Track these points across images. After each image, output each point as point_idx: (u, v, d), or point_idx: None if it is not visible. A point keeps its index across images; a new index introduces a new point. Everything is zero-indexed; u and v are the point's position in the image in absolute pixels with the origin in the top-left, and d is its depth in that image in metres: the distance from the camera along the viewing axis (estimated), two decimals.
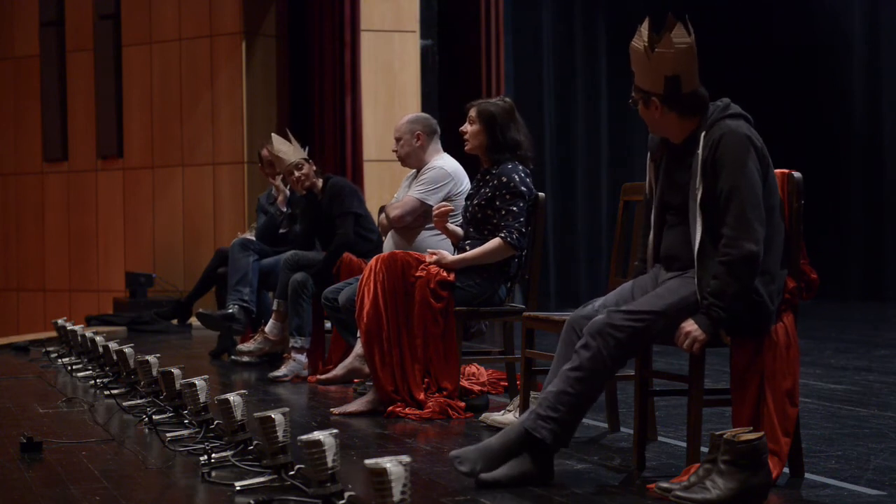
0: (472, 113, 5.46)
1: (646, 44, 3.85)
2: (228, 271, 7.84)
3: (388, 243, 6.09)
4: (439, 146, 6.14)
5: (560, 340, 3.99)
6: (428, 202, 5.93)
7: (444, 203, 5.66)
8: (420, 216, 5.99)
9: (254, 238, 8.05)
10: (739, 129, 3.78)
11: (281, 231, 8.02)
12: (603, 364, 3.75)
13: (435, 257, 5.40)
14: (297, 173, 7.13)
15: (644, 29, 3.88)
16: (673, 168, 3.95)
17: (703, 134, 3.81)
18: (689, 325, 3.76)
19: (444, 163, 6.04)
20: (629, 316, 3.77)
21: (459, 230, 5.60)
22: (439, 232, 5.85)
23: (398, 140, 6.13)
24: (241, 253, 7.80)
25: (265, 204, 8.27)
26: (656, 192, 4.01)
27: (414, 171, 6.18)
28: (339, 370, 5.90)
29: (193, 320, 9.81)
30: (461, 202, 5.83)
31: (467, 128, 5.48)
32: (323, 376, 6.37)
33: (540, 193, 5.46)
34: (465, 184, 5.96)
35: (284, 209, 8.05)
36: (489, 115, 5.41)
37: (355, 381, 6.12)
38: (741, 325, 3.78)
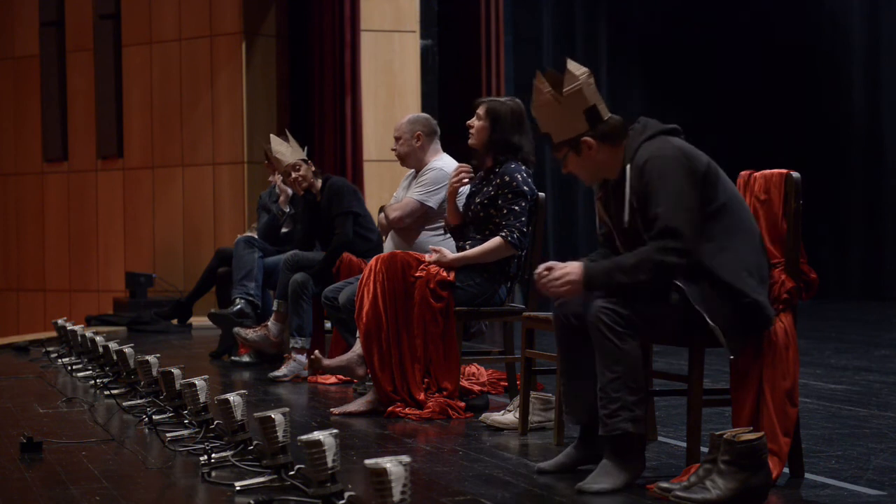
0: (481, 110, 5.47)
1: (552, 91, 3.85)
2: (233, 267, 7.88)
3: (388, 244, 6.09)
4: (439, 147, 6.14)
5: (556, 339, 4.00)
6: (428, 204, 5.93)
7: (464, 166, 5.58)
8: (420, 218, 5.98)
9: (256, 237, 8.08)
10: (661, 151, 3.76)
11: (284, 230, 8.05)
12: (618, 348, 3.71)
13: (435, 256, 5.40)
14: (294, 174, 7.14)
15: (540, 83, 3.88)
16: (620, 203, 3.91)
17: (628, 165, 3.80)
18: (573, 274, 3.75)
19: (443, 163, 6.04)
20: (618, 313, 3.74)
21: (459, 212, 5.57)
22: (440, 233, 5.87)
23: (398, 139, 6.13)
24: (246, 249, 7.86)
25: (267, 202, 8.29)
26: (613, 226, 3.96)
27: (412, 171, 6.18)
28: (333, 362, 5.85)
29: (193, 320, 9.81)
30: (462, 202, 5.84)
31: (474, 122, 5.48)
32: (319, 355, 6.24)
33: (540, 193, 5.46)
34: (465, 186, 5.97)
35: (287, 209, 8.08)
36: (496, 113, 5.41)
37: (354, 381, 6.10)
38: (741, 328, 3.76)
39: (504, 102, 5.46)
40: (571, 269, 3.78)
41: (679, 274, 3.69)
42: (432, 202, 5.93)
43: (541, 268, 3.85)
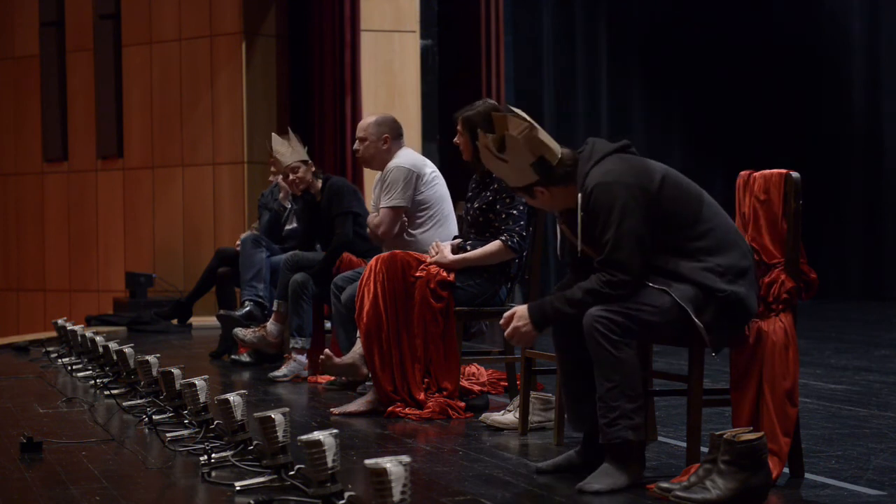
0: (459, 126, 5.49)
1: (496, 154, 3.87)
2: (241, 266, 7.87)
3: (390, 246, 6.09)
4: (402, 145, 6.15)
5: (555, 348, 4.01)
6: (401, 205, 5.94)
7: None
8: (400, 222, 5.98)
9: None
10: (606, 176, 3.76)
11: (288, 227, 8.06)
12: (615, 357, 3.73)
13: (437, 256, 5.40)
14: (291, 176, 7.14)
15: (484, 143, 3.90)
16: (575, 230, 3.93)
17: (580, 194, 3.81)
18: (521, 320, 3.85)
19: (399, 161, 6.02)
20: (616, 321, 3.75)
21: (454, 244, 5.56)
22: (429, 226, 5.88)
23: (363, 140, 6.12)
24: (254, 248, 7.87)
25: (269, 200, 8.29)
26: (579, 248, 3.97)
27: (380, 174, 6.19)
28: (346, 358, 5.86)
29: (193, 320, 9.81)
30: (430, 192, 5.90)
31: (458, 140, 5.51)
32: (330, 352, 6.15)
33: None
34: (429, 170, 5.97)
35: (288, 205, 8.09)
36: (470, 122, 5.40)
37: (358, 379, 6.08)
38: (724, 324, 3.76)
39: (476, 109, 5.44)
40: (519, 313, 3.88)
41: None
42: (402, 201, 5.93)
43: (503, 322, 3.96)
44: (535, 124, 3.85)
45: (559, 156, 3.86)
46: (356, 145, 6.18)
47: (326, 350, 5.90)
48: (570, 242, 3.99)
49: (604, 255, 3.73)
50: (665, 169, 3.83)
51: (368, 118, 6.24)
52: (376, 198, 6.16)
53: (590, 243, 3.83)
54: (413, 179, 5.94)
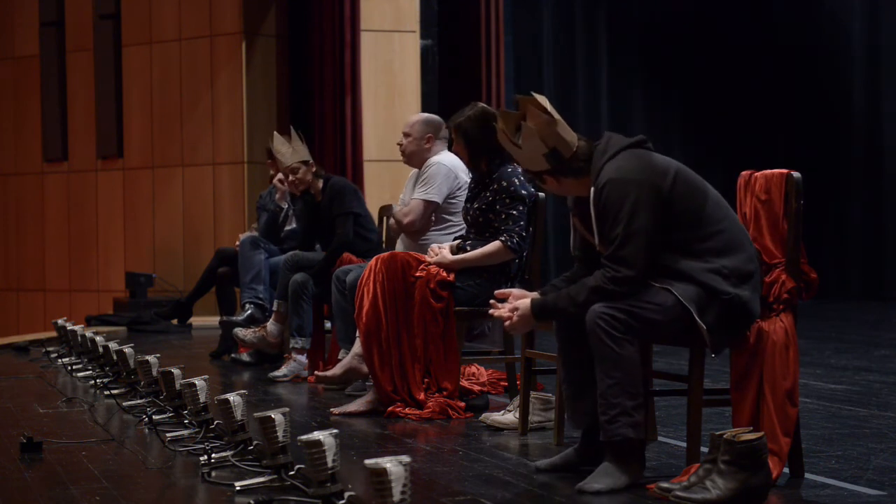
0: (452, 134, 5.53)
1: (511, 139, 3.90)
2: (240, 268, 7.87)
3: (399, 246, 6.09)
4: (444, 147, 6.17)
5: (557, 344, 4.01)
6: (432, 200, 5.95)
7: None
8: (429, 216, 5.99)
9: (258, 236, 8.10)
10: (618, 172, 3.76)
11: (287, 228, 8.05)
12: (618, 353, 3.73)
13: (437, 257, 5.40)
14: (291, 177, 7.14)
15: (501, 125, 3.93)
16: (589, 225, 3.94)
17: (592, 189, 3.82)
18: (523, 316, 3.87)
19: (441, 158, 6.04)
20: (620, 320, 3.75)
21: (454, 244, 5.58)
22: (448, 232, 5.88)
23: (407, 136, 6.13)
24: (252, 250, 7.86)
25: (267, 201, 8.29)
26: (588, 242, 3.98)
27: (415, 171, 6.20)
28: (337, 369, 5.90)
29: (193, 320, 9.82)
30: (461, 199, 5.86)
31: (455, 147, 5.53)
32: (321, 373, 6.24)
33: (540, 194, 5.46)
34: (465, 178, 5.98)
35: (284, 205, 8.09)
36: (462, 129, 5.44)
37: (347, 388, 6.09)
38: (725, 327, 3.76)
39: (465, 114, 5.46)
40: (522, 309, 3.90)
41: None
42: (436, 197, 5.94)
43: (499, 292, 4.00)
44: (556, 116, 3.86)
45: (574, 150, 3.87)
46: (400, 139, 6.20)
47: (316, 372, 5.93)
48: (580, 236, 4.00)
49: (611, 251, 3.73)
50: (678, 166, 3.83)
51: (418, 116, 6.27)
52: (407, 192, 6.16)
53: (600, 238, 3.83)
54: (452, 180, 5.95)
